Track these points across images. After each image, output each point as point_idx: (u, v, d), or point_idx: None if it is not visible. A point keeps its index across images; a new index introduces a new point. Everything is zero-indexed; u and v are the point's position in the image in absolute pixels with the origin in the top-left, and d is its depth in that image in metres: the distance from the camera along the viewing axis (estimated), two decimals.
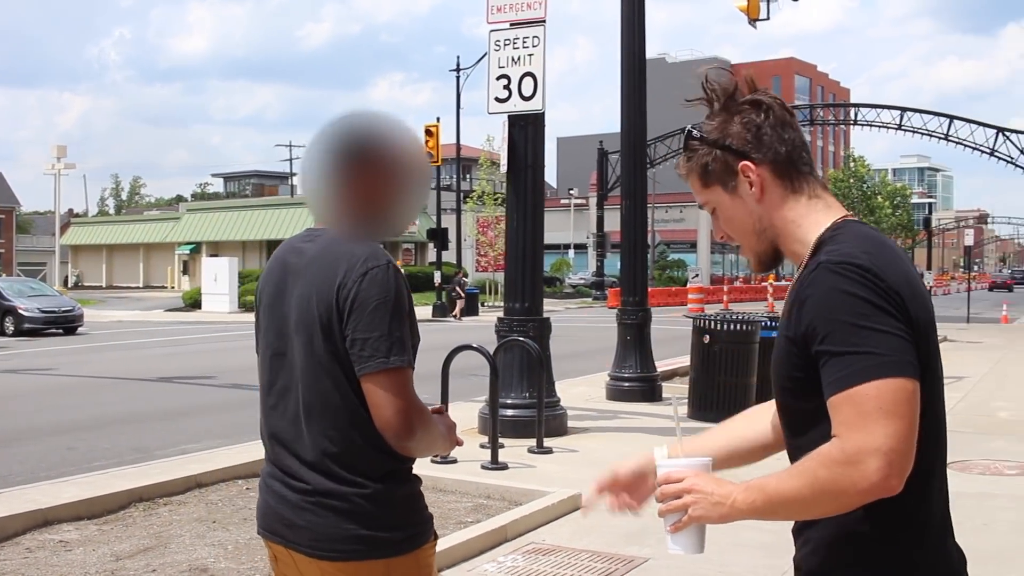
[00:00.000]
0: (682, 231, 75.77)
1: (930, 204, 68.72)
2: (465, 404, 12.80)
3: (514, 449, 9.55)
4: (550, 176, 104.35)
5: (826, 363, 1.83)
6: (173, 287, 67.03)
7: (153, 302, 46.67)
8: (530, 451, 9.55)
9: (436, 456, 8.84)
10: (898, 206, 63.83)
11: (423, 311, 37.66)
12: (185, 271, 68.46)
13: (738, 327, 11.84)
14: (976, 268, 66.98)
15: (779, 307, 29.93)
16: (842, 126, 62.01)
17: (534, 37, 10.39)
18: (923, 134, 47.04)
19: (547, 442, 9.75)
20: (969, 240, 50.18)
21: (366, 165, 2.45)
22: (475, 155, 56.49)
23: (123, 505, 7.24)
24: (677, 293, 53.65)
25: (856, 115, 48.49)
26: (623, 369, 13.46)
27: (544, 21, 10.45)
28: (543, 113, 10.49)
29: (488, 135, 44.01)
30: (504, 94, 10.47)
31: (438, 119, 35.04)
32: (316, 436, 2.51)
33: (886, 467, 1.76)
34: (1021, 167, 47.26)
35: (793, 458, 2.01)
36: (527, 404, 10.21)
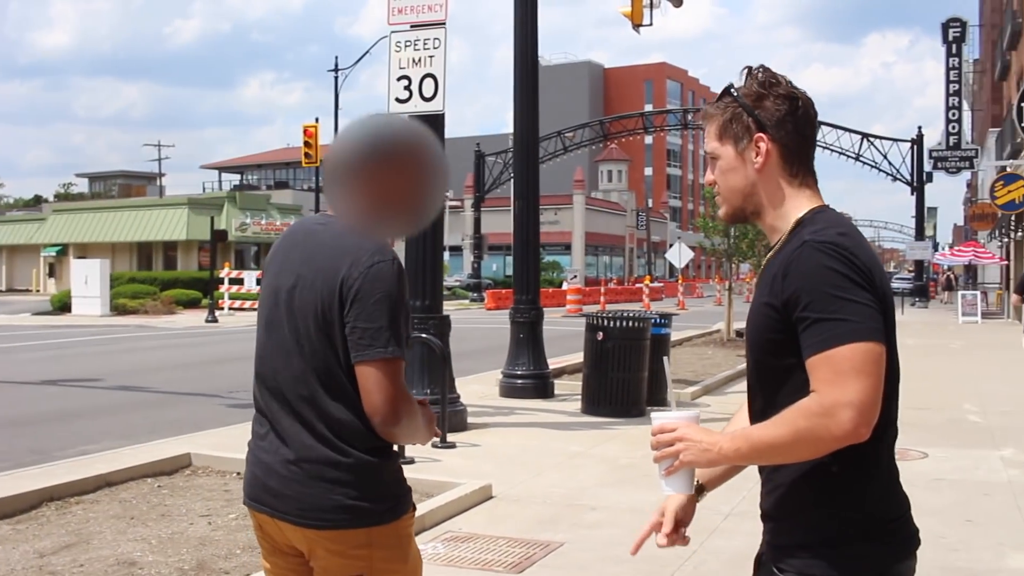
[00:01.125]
0: (557, 233, 76.63)
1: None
2: None
3: (417, 444, 9.68)
4: None
5: (807, 328, 2.10)
6: (39, 290, 64.91)
7: (18, 305, 45.15)
8: (434, 446, 9.70)
9: None
10: None
11: None
12: (51, 274, 66.36)
13: (630, 324, 12.19)
14: None
15: (655, 307, 31.05)
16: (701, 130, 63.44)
17: (435, 39, 10.55)
18: None
19: (449, 437, 9.92)
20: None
21: (392, 166, 2.52)
22: None
23: (34, 505, 7.16)
24: (554, 295, 54.19)
25: None
26: (516, 366, 13.69)
27: (444, 23, 10.62)
28: (444, 114, 10.65)
29: None
30: (405, 95, 10.61)
31: (317, 119, 34.79)
32: (308, 411, 2.64)
33: (857, 417, 2.04)
34: (884, 171, 49.25)
35: (762, 415, 2.25)
36: (429, 400, 10.35)
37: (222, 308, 35.53)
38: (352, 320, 2.59)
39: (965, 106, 55.15)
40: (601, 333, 12.15)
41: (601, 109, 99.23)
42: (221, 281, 36.42)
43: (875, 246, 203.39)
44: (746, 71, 2.37)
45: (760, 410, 2.29)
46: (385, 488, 2.68)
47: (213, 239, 36.01)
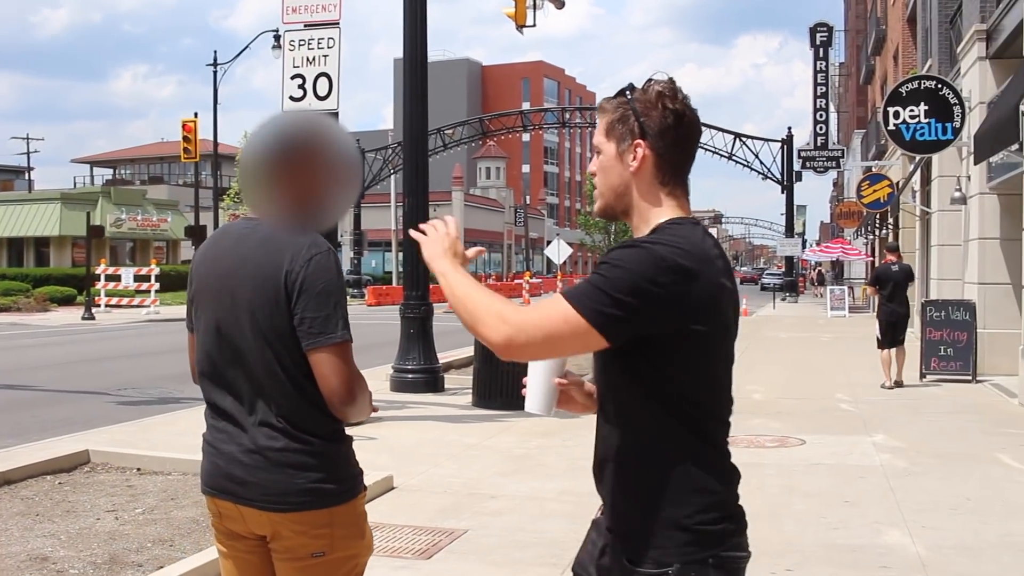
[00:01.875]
0: None
1: None
2: None
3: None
4: None
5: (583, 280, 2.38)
6: None
7: None
8: None
9: None
10: None
11: (181, 311, 36.72)
12: None
13: None
14: None
15: (534, 302, 31.50)
16: (591, 129, 64.32)
17: (329, 38, 10.68)
18: None
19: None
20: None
21: (309, 161, 2.65)
22: (230, 152, 55.34)
23: None
24: (435, 291, 54.36)
25: None
26: (407, 361, 13.87)
27: (339, 23, 10.75)
28: (338, 112, 10.77)
29: (245, 131, 43.33)
30: (299, 93, 10.71)
31: (196, 115, 34.26)
32: (264, 401, 2.80)
33: (512, 339, 2.27)
34: (756, 170, 50.71)
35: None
36: None
37: (99, 305, 34.72)
38: (300, 311, 2.75)
39: (831, 108, 57.06)
40: None
41: (479, 107, 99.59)
42: (97, 278, 35.57)
43: (745, 242, 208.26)
44: (650, 78, 2.51)
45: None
46: (343, 470, 2.88)
47: (89, 235, 35.17)
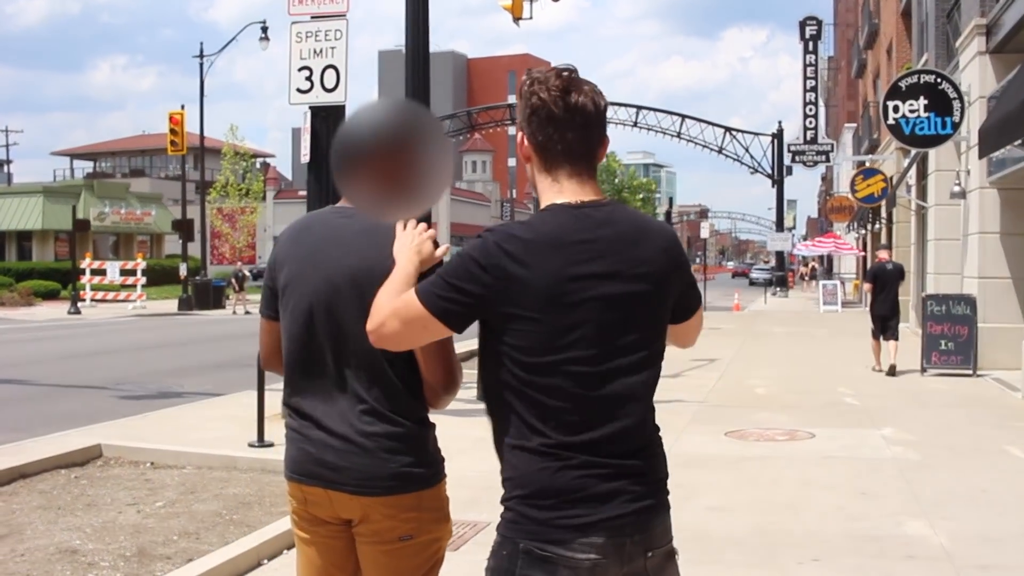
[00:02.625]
0: None
1: (671, 199, 72.50)
2: (256, 392, 12.85)
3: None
4: (285, 168, 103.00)
5: None
6: None
7: None
8: None
9: (254, 441, 9.04)
10: (645, 200, 67.51)
11: (168, 305, 36.62)
12: None
13: None
14: (698, 260, 71.14)
15: None
16: None
17: (336, 31, 10.62)
18: (659, 132, 49.67)
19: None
20: (705, 232, 53.40)
21: (404, 151, 2.66)
22: (216, 145, 55.03)
23: None
24: None
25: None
26: None
27: (346, 15, 10.70)
28: (345, 105, 10.73)
29: (231, 124, 43.35)
30: (306, 85, 10.65)
31: (183, 107, 34.05)
32: (360, 387, 2.82)
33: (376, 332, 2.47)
34: (747, 164, 50.76)
35: None
36: None
37: (84, 300, 34.56)
38: None
39: (820, 102, 57.17)
40: None
41: (464, 99, 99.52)
42: (83, 272, 35.40)
43: (731, 237, 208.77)
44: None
45: None
46: (430, 455, 2.90)
47: (75, 229, 35.00)
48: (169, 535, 6.35)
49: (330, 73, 10.57)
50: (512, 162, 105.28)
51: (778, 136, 51.76)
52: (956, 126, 17.15)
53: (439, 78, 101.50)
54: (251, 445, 9.07)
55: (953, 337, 15.85)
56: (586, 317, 2.32)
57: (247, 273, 39.46)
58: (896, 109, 17.40)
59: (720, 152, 51.33)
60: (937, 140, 17.38)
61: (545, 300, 2.30)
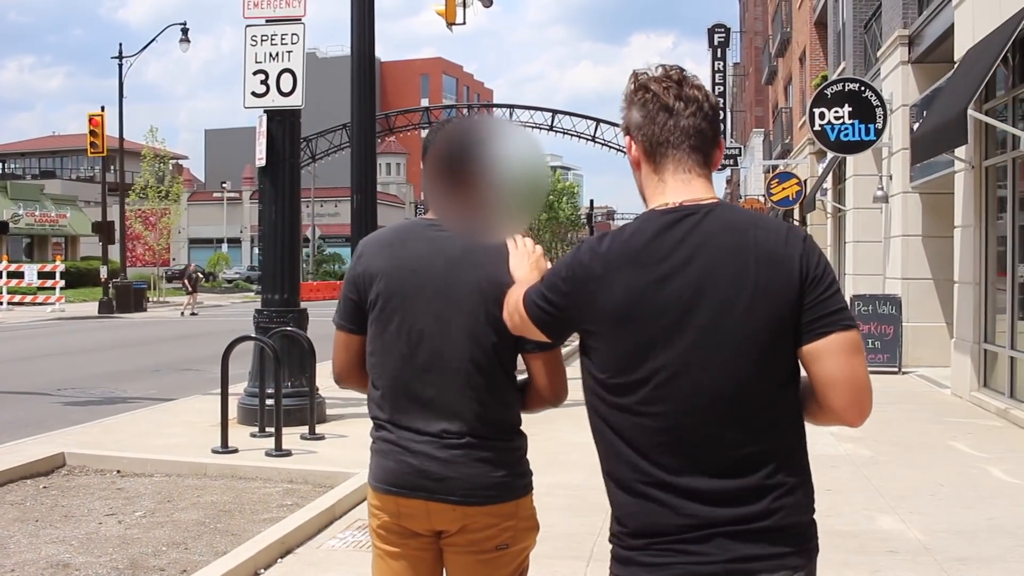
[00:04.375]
0: (337, 225, 76.12)
1: (591, 201, 72.71)
2: (205, 397, 12.74)
3: (286, 436, 9.73)
4: (197, 169, 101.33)
5: None
6: None
7: None
8: (303, 438, 9.78)
9: (218, 447, 8.98)
10: (569, 202, 67.73)
11: (88, 308, 35.85)
12: None
13: None
14: None
15: None
16: None
17: (293, 34, 10.60)
18: (574, 135, 50.10)
19: (316, 428, 10.02)
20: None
21: (506, 171, 2.69)
22: (134, 148, 53.88)
23: None
24: (337, 287, 53.90)
25: (512, 115, 50.78)
26: None
27: (302, 19, 10.67)
28: (301, 109, 10.71)
29: (151, 126, 42.65)
30: (262, 89, 10.61)
31: (103, 108, 33.38)
32: (468, 400, 2.88)
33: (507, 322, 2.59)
34: None
35: None
36: (292, 393, 10.42)
37: (0, 303, 33.66)
38: None
39: (727, 107, 58.13)
40: None
41: (378, 103, 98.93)
42: None
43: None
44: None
45: None
46: (524, 464, 2.99)
47: None
48: (158, 546, 6.30)
49: (287, 77, 10.55)
50: None
51: None
52: (879, 133, 17.68)
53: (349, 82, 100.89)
54: (215, 451, 9.01)
55: (880, 336, 16.36)
56: (668, 328, 2.16)
57: (201, 275, 38.83)
58: (822, 116, 17.86)
59: None
60: (861, 146, 17.90)
61: (617, 311, 2.19)
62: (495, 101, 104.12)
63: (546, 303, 2.33)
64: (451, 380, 2.90)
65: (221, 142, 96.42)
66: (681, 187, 2.25)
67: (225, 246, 69.78)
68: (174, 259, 59.92)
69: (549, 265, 2.70)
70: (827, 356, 2.16)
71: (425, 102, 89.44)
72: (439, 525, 2.93)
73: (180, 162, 74.95)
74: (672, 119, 2.25)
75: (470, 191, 2.72)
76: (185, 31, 36.58)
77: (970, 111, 10.18)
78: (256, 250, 57.36)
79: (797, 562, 2.18)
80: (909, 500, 7.65)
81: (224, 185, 75.35)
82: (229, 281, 61.41)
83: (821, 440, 10.20)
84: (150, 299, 36.60)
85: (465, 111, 60.66)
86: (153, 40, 36.33)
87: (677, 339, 2.14)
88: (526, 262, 2.77)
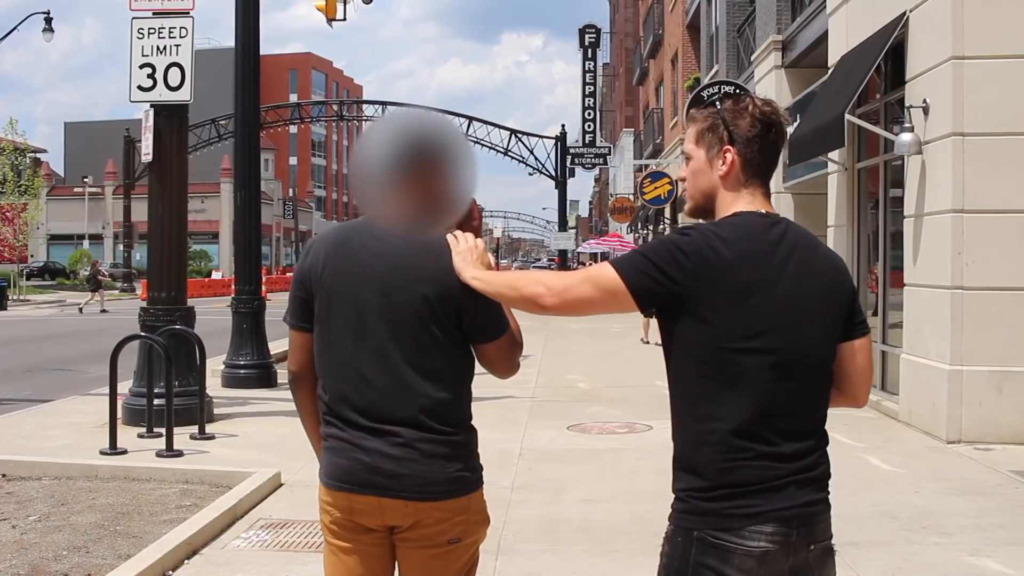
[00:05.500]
0: (204, 222, 74.69)
1: (473, 198, 73.36)
2: (84, 397, 12.45)
3: (175, 437, 9.54)
4: (56, 163, 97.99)
5: None
6: None
7: None
8: (193, 438, 9.62)
9: (106, 448, 8.78)
10: None
11: None
12: None
13: None
14: None
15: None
16: (365, 121, 63.91)
17: (181, 28, 10.40)
18: None
19: (206, 428, 9.88)
20: (498, 232, 54.18)
21: (432, 164, 2.75)
22: None
23: None
24: (210, 285, 52.96)
25: (384, 112, 50.45)
26: (240, 356, 13.65)
27: (191, 12, 10.49)
28: (189, 103, 10.53)
29: (11, 118, 41.13)
30: (148, 83, 10.39)
31: None
32: (417, 397, 2.92)
33: (561, 295, 2.65)
34: (532, 166, 51.80)
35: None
36: (180, 392, 10.22)
37: None
38: (474, 311, 2.93)
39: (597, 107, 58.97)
40: None
41: None
42: None
43: (505, 236, 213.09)
44: (741, 93, 2.84)
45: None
46: (476, 459, 3.05)
47: None
48: (58, 550, 6.15)
49: (174, 71, 10.35)
50: (294, 160, 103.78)
51: (561, 139, 53.09)
52: None
53: (219, 75, 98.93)
54: (104, 453, 8.81)
55: None
56: (774, 312, 2.52)
57: (103, 271, 37.55)
58: None
59: (506, 154, 52.22)
60: None
61: (740, 292, 2.49)
62: (366, 97, 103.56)
63: (662, 275, 2.50)
64: (399, 377, 2.93)
65: (82, 135, 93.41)
66: (764, 200, 2.67)
67: (87, 243, 67.61)
68: (32, 255, 57.89)
69: (491, 257, 2.92)
70: (862, 351, 2.73)
71: (294, 98, 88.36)
72: (392, 521, 2.97)
73: (39, 156, 72.48)
74: (776, 150, 2.68)
75: (402, 189, 2.74)
76: (49, 20, 35.42)
77: (847, 115, 10.59)
78: (120, 247, 55.82)
79: (828, 505, 2.68)
80: None
81: (85, 180, 73.06)
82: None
83: None
84: (11, 297, 35.26)
85: (335, 107, 60.15)
86: (15, 29, 35.06)
87: (787, 319, 2.53)
88: (471, 257, 2.86)
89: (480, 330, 2.98)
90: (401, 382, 2.93)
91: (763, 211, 2.62)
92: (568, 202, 59.53)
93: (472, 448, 3.04)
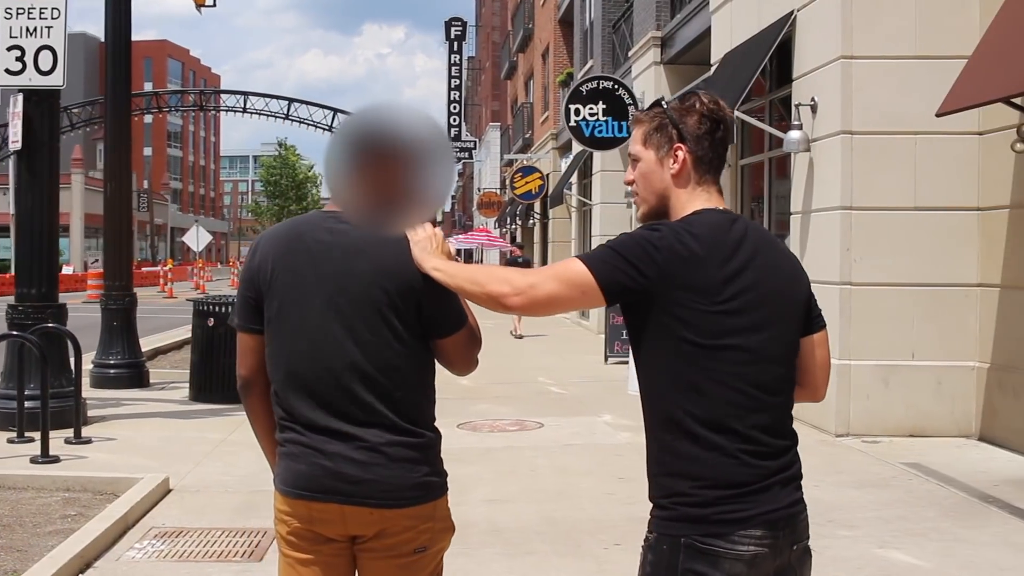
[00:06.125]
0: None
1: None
2: None
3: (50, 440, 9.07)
4: None
5: None
6: None
7: None
8: (68, 442, 9.11)
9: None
10: (314, 190, 66.78)
11: None
12: None
13: None
14: None
15: (178, 289, 29.94)
16: (215, 112, 62.21)
17: (53, 8, 9.85)
18: (311, 125, 49.23)
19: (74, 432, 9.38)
20: None
21: (404, 156, 2.61)
22: None
23: None
24: (61, 280, 50.90)
25: (246, 102, 49.36)
26: (109, 355, 13.09)
27: None
28: (61, 89, 9.99)
29: None
30: (17, 66, 9.81)
31: None
32: (378, 397, 2.74)
33: (526, 293, 2.53)
34: None
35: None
36: (53, 394, 9.67)
37: None
38: (433, 304, 2.77)
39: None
40: (212, 319, 11.99)
41: (97, 85, 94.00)
42: None
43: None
44: (689, 93, 2.72)
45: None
46: (440, 463, 2.88)
47: None
48: None
49: (46, 54, 9.80)
50: (148, 151, 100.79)
51: None
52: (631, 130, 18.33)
53: (71, 62, 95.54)
54: (35, 461, 8.30)
55: (624, 327, 16.92)
56: (744, 307, 2.49)
57: None
58: (577, 112, 18.36)
59: None
60: (614, 143, 18.51)
61: (712, 288, 2.45)
62: (223, 87, 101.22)
63: (633, 270, 2.43)
64: (359, 378, 2.75)
65: None
66: (719, 198, 2.64)
67: None
68: None
69: (451, 248, 2.82)
70: (820, 345, 2.75)
71: (149, 86, 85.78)
72: (355, 530, 2.80)
73: None
74: (724, 147, 2.65)
75: (378, 181, 2.63)
76: None
77: (737, 112, 10.67)
78: None
79: (805, 504, 2.63)
80: None
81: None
82: None
83: (597, 429, 10.48)
84: None
85: (192, 97, 58.60)
86: None
87: (756, 314, 2.50)
88: (430, 246, 2.74)
89: (438, 324, 2.82)
90: (363, 382, 2.75)
91: (722, 208, 2.61)
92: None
93: (438, 451, 2.88)
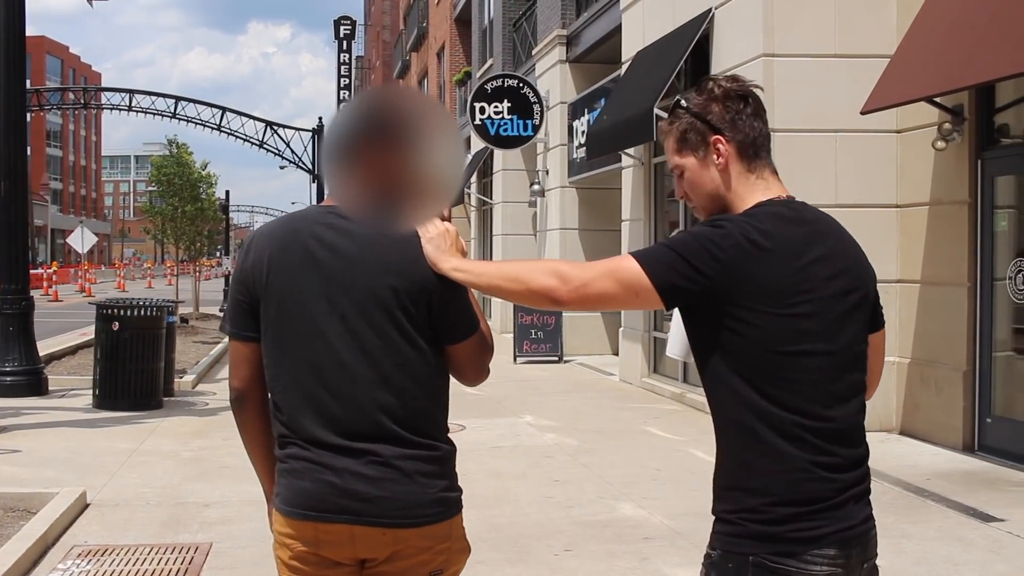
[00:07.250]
0: None
1: (227, 191, 69.94)
2: None
3: None
4: None
5: None
6: None
7: None
8: None
9: None
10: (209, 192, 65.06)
11: None
12: None
13: (147, 312, 11.70)
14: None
15: (62, 291, 29.12)
16: (97, 110, 60.30)
17: None
18: (199, 124, 48.17)
19: None
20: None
21: (399, 139, 2.45)
22: None
23: None
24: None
25: (131, 100, 48.03)
26: (6, 363, 12.47)
27: None
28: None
29: None
30: None
31: None
32: (393, 408, 2.51)
33: (578, 289, 2.35)
34: (288, 159, 50.69)
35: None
36: None
37: None
38: (446, 307, 2.55)
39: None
40: (117, 323, 11.53)
41: None
42: None
43: (250, 229, 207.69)
44: (703, 81, 2.53)
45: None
46: (456, 477, 2.65)
47: None
48: None
49: None
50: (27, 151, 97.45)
51: (319, 131, 52.16)
52: (536, 128, 18.28)
53: None
54: None
55: (542, 327, 16.89)
56: (819, 309, 2.31)
57: None
58: (483, 110, 18.22)
59: (261, 146, 50.84)
60: (520, 141, 18.43)
61: (784, 289, 2.27)
62: (104, 85, 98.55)
63: (692, 271, 2.26)
64: (368, 386, 2.51)
65: None
66: (777, 181, 2.44)
67: None
68: None
69: (464, 243, 2.58)
70: (883, 341, 2.62)
71: (28, 83, 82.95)
72: (365, 552, 2.55)
73: None
74: (764, 125, 2.45)
75: (380, 170, 2.46)
76: None
77: (656, 109, 10.65)
78: None
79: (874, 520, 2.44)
80: (636, 486, 7.86)
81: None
82: None
83: (521, 431, 10.37)
84: None
85: (72, 95, 56.84)
86: None
87: (829, 315, 2.32)
88: (444, 243, 2.49)
89: (449, 329, 2.58)
90: (372, 391, 2.51)
91: (785, 196, 2.42)
92: (325, 195, 58.56)
93: (454, 464, 2.64)
